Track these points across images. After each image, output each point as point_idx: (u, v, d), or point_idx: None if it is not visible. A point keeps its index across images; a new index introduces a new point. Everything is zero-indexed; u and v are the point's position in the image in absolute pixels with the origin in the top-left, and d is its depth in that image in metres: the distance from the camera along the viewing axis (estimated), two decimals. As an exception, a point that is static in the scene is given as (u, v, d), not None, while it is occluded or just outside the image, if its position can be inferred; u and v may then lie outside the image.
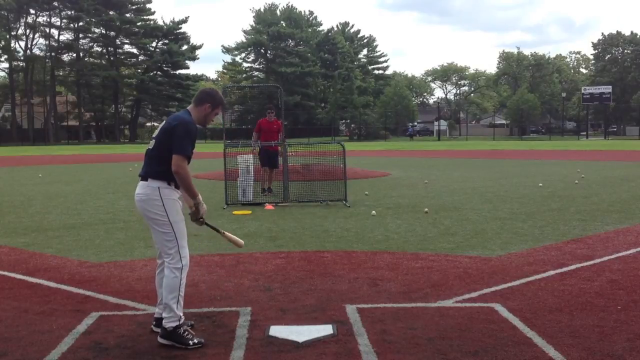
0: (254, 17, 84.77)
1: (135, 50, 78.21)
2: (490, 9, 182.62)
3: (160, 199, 4.23)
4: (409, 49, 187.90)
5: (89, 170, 23.72)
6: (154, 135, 4.38)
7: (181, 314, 4.21)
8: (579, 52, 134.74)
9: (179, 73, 78.41)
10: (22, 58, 70.23)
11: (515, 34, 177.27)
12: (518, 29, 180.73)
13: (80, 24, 71.21)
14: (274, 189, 13.03)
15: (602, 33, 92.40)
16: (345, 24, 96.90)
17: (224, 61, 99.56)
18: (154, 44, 77.30)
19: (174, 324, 4.13)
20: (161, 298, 4.50)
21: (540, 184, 14.97)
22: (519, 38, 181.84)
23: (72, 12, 70.01)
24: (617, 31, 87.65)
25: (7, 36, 67.66)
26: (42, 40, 72.17)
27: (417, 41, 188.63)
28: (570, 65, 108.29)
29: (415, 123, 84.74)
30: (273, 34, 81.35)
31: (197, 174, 18.95)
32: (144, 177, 4.30)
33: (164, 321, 4.17)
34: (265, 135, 13.08)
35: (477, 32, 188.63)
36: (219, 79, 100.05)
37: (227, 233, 4.75)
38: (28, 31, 69.90)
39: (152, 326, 4.56)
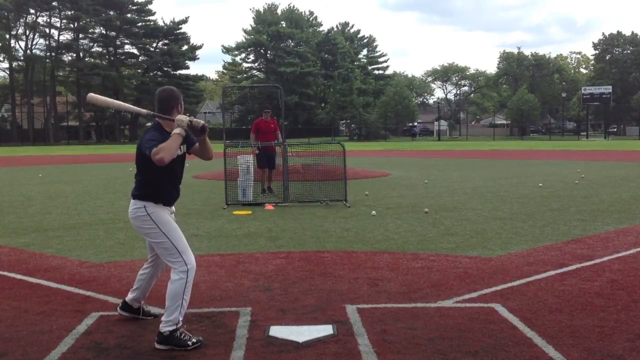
0: (254, 17, 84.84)
1: (135, 51, 78.24)
2: (491, 9, 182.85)
3: (148, 215, 4.28)
4: (410, 49, 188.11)
5: (89, 170, 23.72)
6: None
7: (181, 318, 4.17)
8: (579, 52, 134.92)
9: (179, 73, 78.40)
10: (22, 58, 70.25)
11: (516, 34, 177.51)
12: (519, 29, 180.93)
13: (80, 24, 71.23)
14: (274, 189, 13.01)
15: (603, 33, 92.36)
16: (346, 24, 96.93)
17: (224, 61, 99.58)
18: (154, 44, 77.31)
19: (170, 328, 4.10)
20: (138, 286, 4.63)
21: (540, 184, 14.97)
22: (520, 38, 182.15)
23: (72, 12, 70.01)
24: (618, 31, 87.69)
25: (7, 36, 67.68)
26: (41, 41, 72.27)
27: (419, 41, 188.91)
28: (571, 65, 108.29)
29: (416, 123, 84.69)
30: (273, 34, 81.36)
31: (197, 174, 18.95)
32: (132, 196, 4.38)
33: (161, 325, 4.15)
34: (263, 135, 13.04)
35: (479, 32, 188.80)
36: (219, 79, 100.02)
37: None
38: (28, 31, 69.93)
39: (119, 308, 4.71)
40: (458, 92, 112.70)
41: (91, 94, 4.41)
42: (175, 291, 4.16)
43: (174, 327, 4.10)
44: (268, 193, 12.84)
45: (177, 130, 4.11)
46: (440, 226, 8.95)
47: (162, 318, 4.18)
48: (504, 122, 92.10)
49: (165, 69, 78.11)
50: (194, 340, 4.09)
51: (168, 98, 4.32)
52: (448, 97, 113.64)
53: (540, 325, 4.45)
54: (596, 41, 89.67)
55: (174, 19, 79.33)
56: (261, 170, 13.02)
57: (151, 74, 77.00)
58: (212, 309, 4.94)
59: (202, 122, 4.24)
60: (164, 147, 4.02)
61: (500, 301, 5.06)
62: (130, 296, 4.66)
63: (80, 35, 73.38)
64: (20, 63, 70.44)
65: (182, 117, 4.16)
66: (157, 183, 4.29)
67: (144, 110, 4.44)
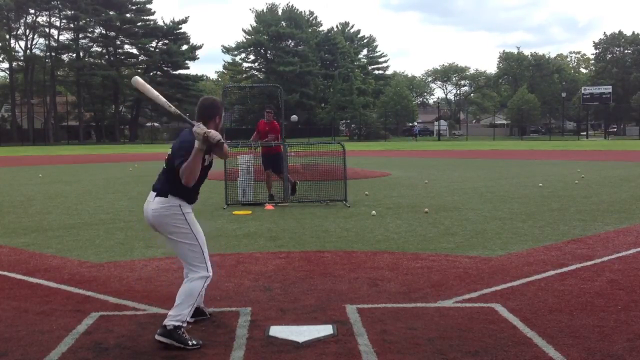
0: (254, 17, 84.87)
1: (135, 51, 78.28)
2: (493, 9, 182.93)
3: (183, 215, 4.29)
4: (412, 49, 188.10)
5: (89, 170, 23.72)
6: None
7: (188, 318, 4.20)
8: (579, 52, 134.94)
9: (179, 73, 78.45)
10: (22, 58, 70.28)
11: (518, 35, 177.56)
12: (521, 29, 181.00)
13: (80, 23, 71.25)
14: (274, 189, 12.47)
15: (605, 32, 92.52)
16: (346, 24, 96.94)
17: (224, 61, 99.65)
18: (153, 44, 77.32)
19: (176, 324, 4.11)
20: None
21: (540, 184, 14.97)
22: (521, 38, 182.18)
23: (71, 12, 70.02)
24: (619, 31, 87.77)
25: (7, 36, 67.70)
26: (41, 41, 72.32)
27: (420, 41, 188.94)
28: (571, 65, 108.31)
29: (416, 123, 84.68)
30: (273, 34, 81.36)
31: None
32: (163, 192, 4.29)
33: (167, 319, 4.15)
34: (262, 137, 12.38)
35: (480, 32, 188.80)
36: (219, 79, 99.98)
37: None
38: (28, 31, 69.95)
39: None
40: (458, 92, 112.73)
41: (136, 78, 4.34)
42: (192, 290, 4.19)
43: (180, 324, 4.12)
44: (270, 199, 12.14)
45: (196, 145, 4.09)
46: (440, 226, 8.95)
47: (170, 312, 4.18)
48: (504, 122, 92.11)
49: (165, 68, 78.17)
50: (194, 342, 4.09)
51: (209, 106, 4.35)
52: (448, 97, 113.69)
53: (540, 325, 4.44)
54: (597, 41, 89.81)
55: (173, 19, 79.52)
56: (266, 172, 12.36)
57: (151, 73, 77.01)
58: (212, 309, 4.93)
59: (219, 137, 4.13)
60: (187, 169, 4.07)
61: (500, 301, 5.06)
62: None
63: (80, 35, 73.40)
64: (20, 63, 70.46)
65: (199, 130, 4.06)
66: (193, 185, 4.28)
67: (173, 108, 4.43)
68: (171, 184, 4.28)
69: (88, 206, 11.87)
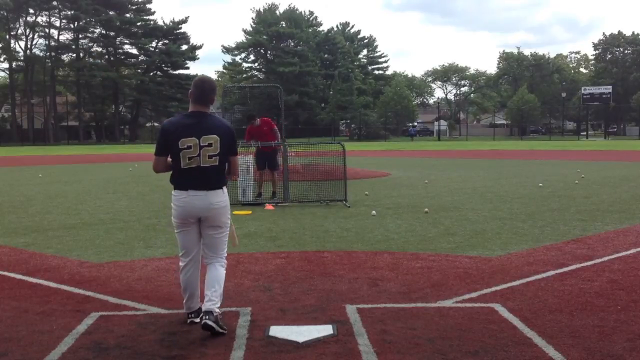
0: (254, 17, 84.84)
1: (135, 51, 78.29)
2: (494, 9, 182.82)
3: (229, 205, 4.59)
4: (413, 49, 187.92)
5: (89, 170, 23.72)
6: (212, 147, 4.33)
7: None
8: (578, 52, 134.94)
9: (179, 73, 78.43)
10: (22, 58, 70.27)
11: (519, 35, 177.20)
12: (522, 29, 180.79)
13: (80, 23, 71.27)
14: (265, 188, 12.48)
15: (603, 33, 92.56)
16: (346, 24, 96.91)
17: (224, 61, 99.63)
18: (153, 44, 77.32)
19: (220, 311, 4.34)
20: (193, 291, 4.58)
21: (540, 184, 14.97)
22: (522, 38, 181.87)
23: (71, 12, 70.03)
24: (618, 31, 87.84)
25: (7, 36, 67.71)
26: (41, 41, 72.34)
27: (421, 41, 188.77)
28: (571, 65, 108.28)
29: (415, 123, 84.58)
30: (273, 34, 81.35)
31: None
32: (218, 186, 4.43)
33: (211, 305, 4.24)
34: (257, 138, 12.35)
35: (482, 32, 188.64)
36: (219, 79, 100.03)
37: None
38: (28, 31, 69.96)
39: (192, 318, 4.58)
40: (458, 92, 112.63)
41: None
42: (223, 278, 4.43)
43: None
44: (272, 197, 12.24)
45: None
46: (440, 226, 8.95)
47: (213, 298, 4.28)
48: (504, 122, 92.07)
49: (165, 68, 78.14)
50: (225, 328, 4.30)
51: (214, 90, 4.47)
52: (448, 97, 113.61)
53: (540, 325, 4.44)
54: (596, 42, 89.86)
55: (173, 19, 79.51)
56: (259, 171, 12.51)
57: (151, 74, 77.03)
58: (212, 309, 4.93)
59: None
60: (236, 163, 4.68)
61: (500, 301, 5.06)
62: (193, 305, 4.64)
63: (80, 35, 73.39)
64: (20, 63, 70.45)
65: None
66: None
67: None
68: (222, 176, 4.48)
69: (88, 206, 11.87)
